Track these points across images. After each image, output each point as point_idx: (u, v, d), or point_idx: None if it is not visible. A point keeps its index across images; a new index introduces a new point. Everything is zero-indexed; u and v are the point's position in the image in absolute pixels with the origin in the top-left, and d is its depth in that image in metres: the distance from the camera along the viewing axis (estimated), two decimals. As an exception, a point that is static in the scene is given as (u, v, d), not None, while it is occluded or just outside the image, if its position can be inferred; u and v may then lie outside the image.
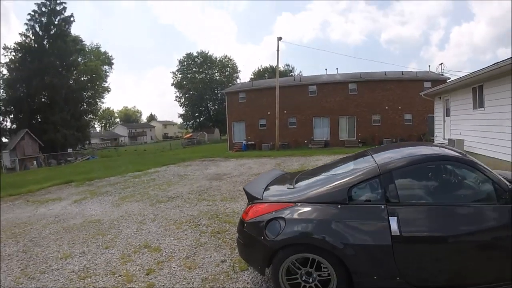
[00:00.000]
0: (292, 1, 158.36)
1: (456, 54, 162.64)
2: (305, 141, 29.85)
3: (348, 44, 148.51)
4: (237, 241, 3.68)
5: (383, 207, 2.95)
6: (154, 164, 18.89)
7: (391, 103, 28.29)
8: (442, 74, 27.28)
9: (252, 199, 3.59)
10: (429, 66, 70.86)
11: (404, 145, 4.43)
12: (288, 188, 3.66)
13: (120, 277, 4.09)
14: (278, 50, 28.07)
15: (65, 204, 8.96)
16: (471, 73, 11.30)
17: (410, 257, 2.89)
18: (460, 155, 3.32)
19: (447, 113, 14.94)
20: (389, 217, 2.88)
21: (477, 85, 10.87)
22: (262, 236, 3.18)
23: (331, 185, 3.29)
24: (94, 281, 4.04)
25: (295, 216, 3.16)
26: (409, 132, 26.88)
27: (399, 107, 28.17)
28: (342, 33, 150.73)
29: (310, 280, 3.06)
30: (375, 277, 2.91)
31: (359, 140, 28.23)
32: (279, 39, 27.65)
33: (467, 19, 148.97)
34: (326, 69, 62.03)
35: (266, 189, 3.72)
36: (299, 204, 3.24)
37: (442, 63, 41.43)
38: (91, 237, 5.80)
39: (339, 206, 3.07)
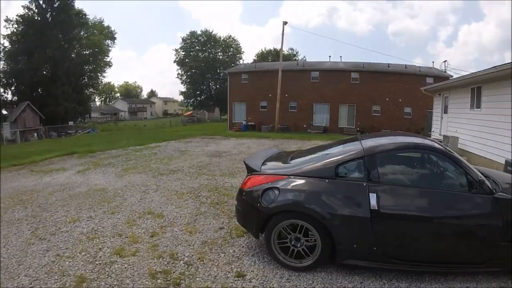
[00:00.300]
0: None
1: (463, 53, 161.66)
2: (305, 126, 30.11)
3: (354, 32, 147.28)
4: (236, 208, 4.09)
5: (365, 184, 3.32)
6: (155, 139, 19.15)
7: (392, 95, 28.43)
8: (445, 71, 27.46)
9: (251, 171, 3.97)
10: (433, 62, 70.74)
11: (391, 134, 4.80)
12: (284, 164, 4.07)
13: (126, 239, 4.42)
14: (283, 35, 28.00)
15: (69, 174, 9.24)
16: (471, 73, 11.52)
17: (386, 231, 3.25)
18: (437, 146, 3.70)
19: (445, 110, 15.16)
20: (369, 194, 3.25)
21: (476, 86, 11.07)
22: (258, 203, 3.56)
23: (321, 162, 3.70)
24: (102, 241, 4.36)
25: (288, 186, 3.55)
26: (407, 125, 26.94)
27: (400, 100, 28.35)
28: (349, 21, 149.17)
29: (298, 245, 3.45)
30: (355, 246, 3.28)
31: (358, 129, 28.39)
32: (285, 23, 27.64)
33: (476, 19, 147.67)
34: (329, 56, 61.64)
35: (263, 163, 4.11)
36: (292, 177, 3.63)
37: (446, 61, 41.53)
38: (96, 204, 6.11)
39: (326, 180, 3.45)
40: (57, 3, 42.08)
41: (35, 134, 31.91)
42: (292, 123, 30.20)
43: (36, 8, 41.59)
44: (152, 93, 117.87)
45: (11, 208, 6.11)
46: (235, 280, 3.31)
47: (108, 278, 3.38)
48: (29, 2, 41.38)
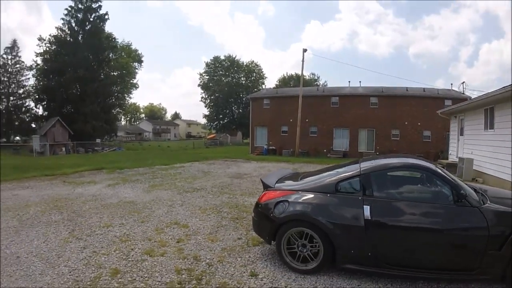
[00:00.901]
0: (321, 8, 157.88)
1: (484, 73, 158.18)
2: (325, 150, 30.30)
3: (375, 56, 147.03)
4: (252, 219, 4.68)
5: (360, 198, 3.86)
6: (179, 160, 20.12)
7: (411, 119, 28.39)
8: (463, 93, 26.99)
9: (266, 187, 4.59)
10: (451, 84, 70.07)
11: (388, 156, 5.25)
12: (294, 181, 4.64)
13: (155, 243, 4.99)
14: (303, 61, 28.75)
15: (99, 187, 10.00)
16: (483, 94, 11.75)
17: (378, 238, 3.71)
18: (425, 164, 4.23)
19: (461, 132, 15.25)
20: (364, 206, 3.77)
21: (489, 107, 11.24)
22: (271, 213, 4.13)
23: (325, 180, 4.27)
24: (134, 243, 4.95)
25: (297, 200, 4.12)
26: (427, 148, 26.75)
27: (419, 124, 28.21)
28: (369, 44, 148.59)
29: (304, 251, 3.97)
30: (352, 251, 3.78)
31: (377, 153, 28.37)
32: (304, 50, 28.40)
33: (497, 36, 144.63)
34: (349, 81, 62.19)
35: (278, 181, 4.70)
36: (300, 192, 4.22)
37: (463, 82, 40.80)
38: (127, 214, 6.76)
39: (328, 195, 4.02)
40: (88, 26, 44.44)
41: (63, 149, 33.26)
42: (312, 147, 30.43)
43: (68, 30, 43.98)
44: (176, 115, 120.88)
45: (47, 212, 6.89)
46: (249, 278, 3.80)
47: (139, 272, 3.96)
48: (62, 24, 43.88)
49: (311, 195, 4.09)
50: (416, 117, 28.25)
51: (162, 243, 4.98)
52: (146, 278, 3.78)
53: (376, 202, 3.81)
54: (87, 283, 3.66)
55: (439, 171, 4.06)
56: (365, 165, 4.31)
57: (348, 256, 3.80)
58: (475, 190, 4.13)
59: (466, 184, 4.32)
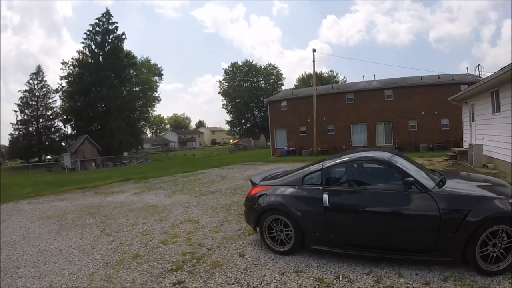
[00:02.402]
0: (336, 1, 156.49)
1: (508, 51, 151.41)
2: (343, 147, 30.33)
3: (396, 45, 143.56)
4: (244, 211, 5.69)
5: (321, 188, 4.59)
6: (201, 167, 21.41)
7: (427, 108, 28.17)
8: (479, 76, 25.97)
9: (253, 184, 5.54)
10: (467, 68, 67.50)
11: (351, 152, 5.72)
12: (275, 178, 5.47)
13: (169, 235, 6.10)
14: (314, 62, 29.59)
15: (127, 195, 11.28)
16: (487, 76, 11.41)
17: (337, 222, 4.38)
18: (379, 156, 4.75)
19: (472, 117, 14.88)
20: (323, 194, 4.47)
21: (494, 89, 10.98)
22: (255, 205, 5.06)
23: (295, 175, 5.10)
24: (152, 236, 6.09)
25: (273, 192, 4.99)
26: (446, 137, 26.55)
27: (436, 112, 27.90)
28: (388, 34, 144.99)
29: (281, 235, 4.78)
30: (317, 234, 4.50)
31: (396, 146, 28.17)
32: (314, 51, 29.10)
33: None
34: (363, 76, 62.09)
35: (263, 179, 5.62)
36: (276, 186, 5.09)
37: (479, 65, 38.72)
38: (149, 215, 7.92)
39: (296, 187, 4.84)
40: (107, 47, 47.08)
41: (93, 164, 35.50)
42: (331, 145, 30.81)
43: (89, 52, 46.93)
44: (201, 123, 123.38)
45: (82, 217, 8.22)
46: (237, 258, 4.73)
47: (154, 255, 5.07)
48: (83, 47, 46.95)
49: (284, 188, 4.93)
50: (432, 106, 27.89)
51: (175, 235, 6.08)
52: (159, 259, 4.87)
53: (333, 191, 4.48)
54: (114, 264, 4.79)
55: (392, 161, 4.50)
56: (329, 160, 5.03)
57: (314, 239, 4.52)
58: (441, 176, 4.74)
59: (436, 171, 5.13)
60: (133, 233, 6.42)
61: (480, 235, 3.60)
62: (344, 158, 5.04)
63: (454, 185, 4.35)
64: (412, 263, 4.02)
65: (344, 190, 4.61)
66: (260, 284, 3.87)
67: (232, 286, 3.87)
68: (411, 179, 4.07)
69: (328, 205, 4.38)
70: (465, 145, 16.45)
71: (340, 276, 3.93)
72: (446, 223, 3.71)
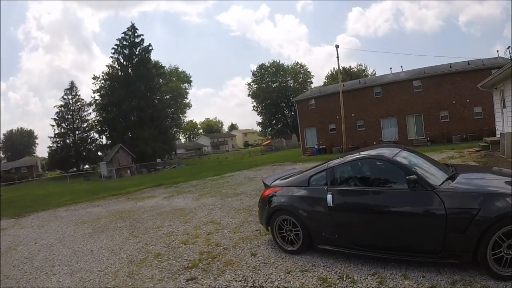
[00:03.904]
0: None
1: None
2: (374, 143, 29.25)
3: (425, 32, 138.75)
4: (258, 212, 5.91)
5: (325, 188, 4.63)
6: (231, 169, 21.91)
7: (459, 97, 27.02)
8: (511, 59, 24.60)
9: (266, 186, 5.74)
10: (497, 51, 63.28)
11: (358, 151, 5.53)
12: (286, 179, 5.63)
13: (191, 236, 6.49)
14: (338, 57, 29.86)
15: (157, 200, 11.89)
16: None
17: (341, 222, 4.39)
18: (385, 155, 4.53)
19: (504, 104, 13.86)
20: (327, 194, 4.50)
21: None
22: (267, 206, 5.25)
23: (302, 176, 5.23)
24: (175, 237, 6.53)
25: (282, 193, 5.16)
26: (479, 126, 25.36)
27: (467, 100, 26.67)
28: (416, 21, 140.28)
29: (291, 235, 4.91)
30: (323, 234, 4.55)
31: (428, 139, 27.49)
32: (337, 46, 28.77)
33: None
34: (390, 68, 60.65)
35: (275, 180, 5.80)
36: (285, 187, 5.26)
37: (509, 47, 36.38)
38: (175, 218, 8.40)
39: (303, 188, 4.96)
40: (135, 59, 49.03)
41: (128, 171, 37.15)
42: (361, 141, 30.01)
43: (118, 65, 49.25)
44: (233, 126, 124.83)
45: (114, 221, 8.86)
46: (249, 257, 4.99)
47: (174, 254, 5.48)
48: (112, 61, 49.39)
49: (291, 189, 5.07)
50: (463, 94, 26.73)
51: (196, 235, 6.47)
52: (177, 258, 5.27)
53: (337, 191, 4.49)
54: (137, 262, 5.27)
55: (395, 159, 4.35)
56: (334, 160, 5.04)
57: (320, 238, 4.59)
58: (452, 172, 4.47)
59: (449, 165, 4.98)
60: (158, 234, 6.90)
61: (491, 235, 3.30)
62: (348, 158, 5.04)
63: (464, 182, 4.06)
64: (420, 264, 3.87)
65: (348, 190, 4.57)
66: (265, 282, 4.08)
67: (239, 283, 4.14)
68: (413, 177, 3.87)
69: (332, 205, 4.42)
70: (497, 134, 15.71)
71: (344, 276, 3.95)
72: (453, 222, 3.48)
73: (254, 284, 4.05)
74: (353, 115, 30.77)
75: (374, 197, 4.27)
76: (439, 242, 3.58)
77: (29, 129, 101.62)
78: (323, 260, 4.51)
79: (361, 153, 5.09)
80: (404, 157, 4.56)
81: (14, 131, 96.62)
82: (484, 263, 3.40)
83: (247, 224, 6.99)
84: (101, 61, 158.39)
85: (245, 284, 4.10)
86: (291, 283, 3.99)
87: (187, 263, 4.99)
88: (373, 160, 4.75)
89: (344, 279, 3.90)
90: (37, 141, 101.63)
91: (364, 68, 75.31)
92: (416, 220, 3.80)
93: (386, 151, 4.81)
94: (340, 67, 31.22)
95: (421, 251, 3.79)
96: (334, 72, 72.43)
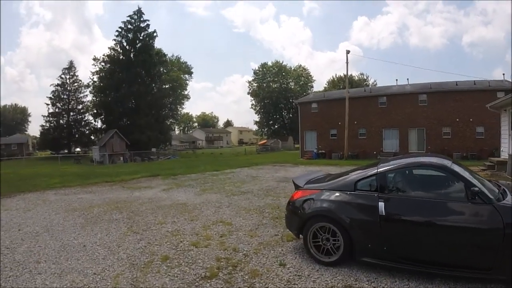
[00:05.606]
0: (367, 2, 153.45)
1: None
2: (374, 152, 29.43)
3: (428, 49, 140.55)
4: (285, 216, 5.18)
5: (376, 195, 4.12)
6: (230, 166, 21.10)
7: (462, 115, 27.03)
8: None
9: (297, 187, 5.02)
10: (504, 74, 64.62)
11: (405, 156, 5.35)
12: (321, 182, 4.99)
13: (202, 237, 5.66)
14: (347, 63, 28.70)
15: (155, 191, 11.00)
16: None
17: (393, 233, 3.92)
18: (439, 163, 4.27)
19: None
20: (379, 202, 4.02)
21: None
22: (300, 210, 4.60)
23: (346, 179, 4.61)
24: (183, 237, 5.66)
25: (321, 197, 4.50)
26: (480, 146, 25.53)
27: (471, 119, 26.74)
28: (421, 37, 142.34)
29: (328, 244, 4.30)
30: (369, 245, 4.04)
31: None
32: (348, 52, 28.31)
33: None
34: (396, 80, 60.45)
35: (307, 182, 5.10)
36: (324, 190, 4.58)
37: None
38: (179, 214, 7.53)
39: (348, 193, 4.34)
40: (138, 44, 47.77)
41: (121, 158, 36.04)
42: (361, 150, 29.99)
43: (120, 49, 47.79)
44: (228, 123, 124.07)
45: (109, 212, 7.94)
46: (277, 268, 4.26)
47: (185, 258, 4.63)
48: (114, 44, 47.85)
49: (333, 193, 4.46)
50: (467, 113, 26.86)
51: (207, 237, 5.63)
52: (190, 263, 4.42)
53: (390, 199, 4.03)
54: (141, 266, 4.38)
55: (454, 168, 4.10)
56: (383, 165, 4.54)
57: (365, 250, 4.07)
58: (499, 187, 4.20)
59: (492, 181, 4.49)
60: (162, 232, 6.03)
61: None
62: (402, 163, 4.54)
63: None
64: (468, 280, 3.62)
65: (401, 198, 4.12)
66: (307, 299, 3.34)
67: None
68: (476, 188, 3.66)
69: (384, 214, 3.94)
70: (503, 155, 15.82)
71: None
72: (510, 238, 3.32)
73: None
74: (355, 122, 30.43)
75: (430, 208, 3.87)
76: (493, 258, 3.44)
77: (23, 106, 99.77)
78: (365, 274, 4.01)
79: (413, 159, 4.82)
80: (458, 168, 4.24)
81: (7, 106, 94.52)
82: None
83: (263, 227, 6.23)
84: (101, 44, 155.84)
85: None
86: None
87: (203, 271, 4.17)
88: (431, 168, 4.36)
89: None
90: (30, 119, 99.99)
91: (365, 78, 75.24)
92: (473, 234, 3.59)
93: (441, 161, 4.45)
94: (343, 74, 30.61)
95: (472, 267, 3.59)
96: (336, 79, 72.41)
